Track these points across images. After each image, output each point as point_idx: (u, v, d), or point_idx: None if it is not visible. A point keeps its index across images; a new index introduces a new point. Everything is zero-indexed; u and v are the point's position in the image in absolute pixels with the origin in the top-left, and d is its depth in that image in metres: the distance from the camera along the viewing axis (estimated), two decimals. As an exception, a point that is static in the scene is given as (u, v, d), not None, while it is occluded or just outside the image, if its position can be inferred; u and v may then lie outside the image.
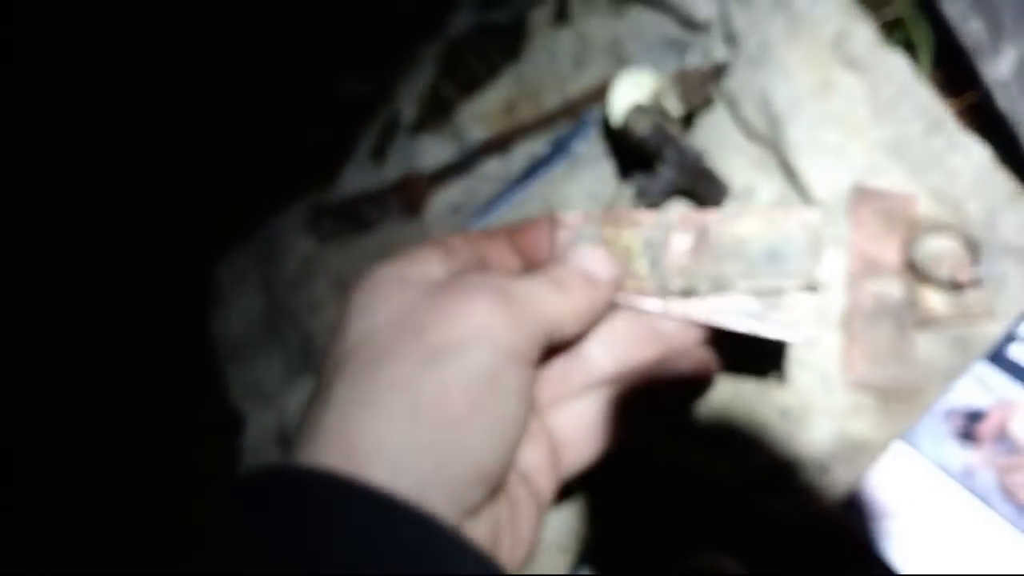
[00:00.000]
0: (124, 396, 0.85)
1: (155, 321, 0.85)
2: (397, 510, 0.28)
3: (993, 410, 0.44)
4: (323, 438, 0.30)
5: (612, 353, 0.39)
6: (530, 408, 0.34)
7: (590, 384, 0.39)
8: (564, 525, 0.57)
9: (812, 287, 0.38)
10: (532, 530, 0.35)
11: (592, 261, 0.38)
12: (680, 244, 0.38)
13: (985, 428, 0.44)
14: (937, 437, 0.44)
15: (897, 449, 0.45)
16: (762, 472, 0.52)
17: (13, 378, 0.86)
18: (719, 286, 0.38)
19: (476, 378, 0.31)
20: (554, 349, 0.36)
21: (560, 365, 0.38)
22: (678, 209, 0.40)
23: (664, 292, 0.38)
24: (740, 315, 0.39)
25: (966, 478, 0.43)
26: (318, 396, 0.32)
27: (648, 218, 0.39)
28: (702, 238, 0.38)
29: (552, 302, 0.35)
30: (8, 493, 0.82)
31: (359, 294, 0.35)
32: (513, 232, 0.40)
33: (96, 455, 0.82)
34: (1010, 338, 0.46)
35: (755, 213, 0.38)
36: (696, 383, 0.40)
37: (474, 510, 0.31)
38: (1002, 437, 0.43)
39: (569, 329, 0.36)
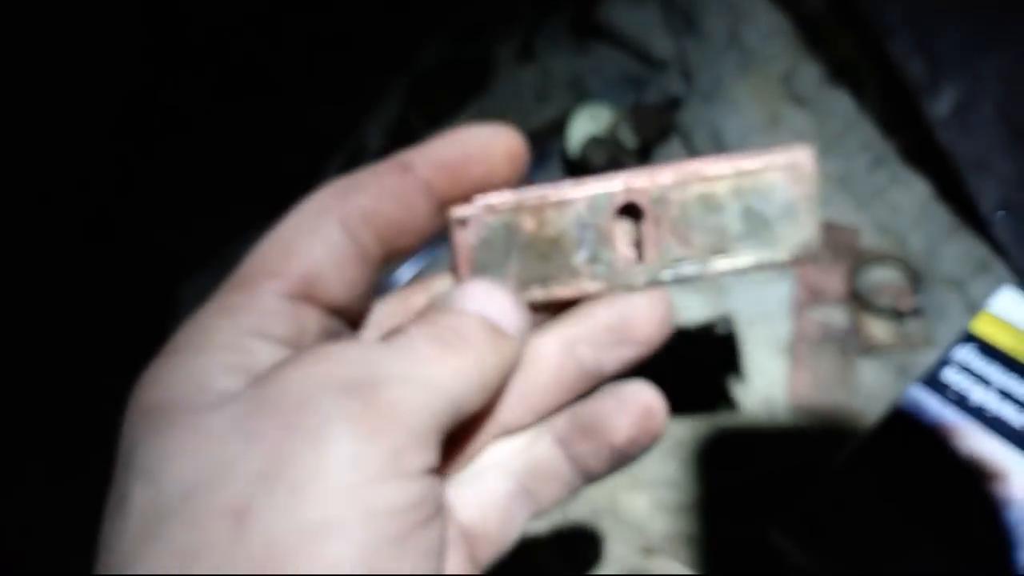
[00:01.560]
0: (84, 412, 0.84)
1: (115, 335, 0.84)
2: None
3: (926, 433, 0.45)
4: None
5: (520, 389, 0.28)
6: (442, 553, 0.23)
7: (494, 435, 0.28)
8: None
9: (807, 258, 0.28)
10: None
11: (493, 303, 0.26)
12: (628, 223, 0.28)
13: (919, 449, 0.44)
14: (873, 457, 0.45)
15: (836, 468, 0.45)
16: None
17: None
18: (686, 273, 0.28)
19: None
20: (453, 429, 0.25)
21: (461, 439, 0.27)
22: (620, 174, 0.28)
23: (614, 291, 0.28)
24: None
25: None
26: None
27: (579, 191, 0.28)
28: (658, 209, 0.28)
29: (448, 376, 0.23)
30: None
31: (139, 435, 0.21)
32: (436, 152, 0.26)
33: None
34: (944, 362, 0.47)
35: (724, 162, 0.27)
36: (644, 436, 0.28)
37: None
38: (935, 458, 0.44)
39: (476, 404, 0.25)
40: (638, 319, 0.28)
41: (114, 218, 0.94)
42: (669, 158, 0.66)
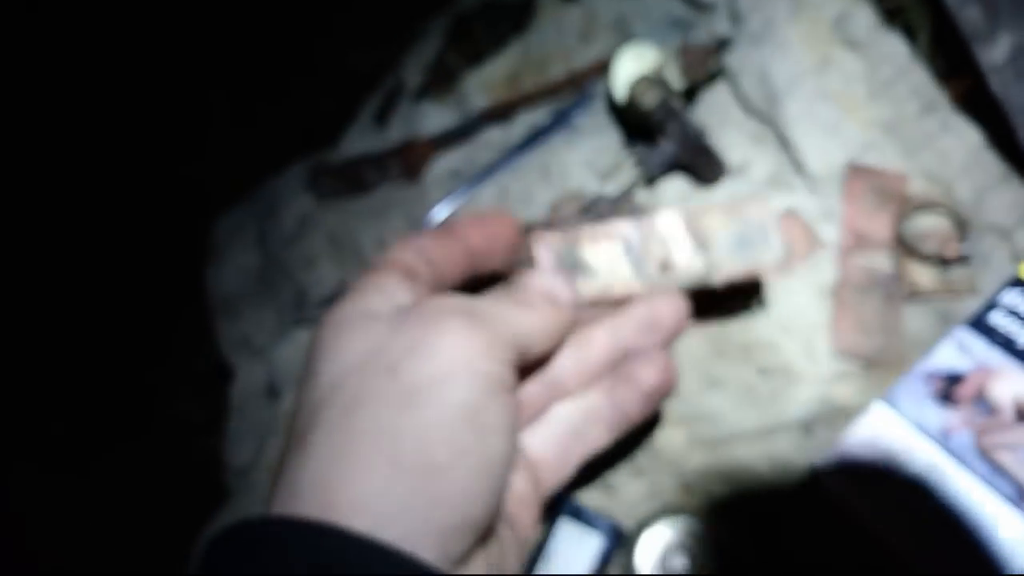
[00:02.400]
0: (118, 347, 0.85)
1: (151, 274, 0.85)
2: (385, 555, 0.26)
3: (972, 374, 0.45)
4: (301, 494, 0.28)
5: (578, 364, 0.40)
6: (516, 441, 0.33)
7: (559, 398, 0.39)
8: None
9: (779, 267, 0.42)
10: (517, 568, 0.34)
11: (552, 282, 0.40)
12: (658, 246, 0.42)
13: (963, 391, 0.45)
14: (917, 399, 0.45)
15: (877, 409, 0.46)
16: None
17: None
18: (699, 274, 0.42)
19: (458, 417, 0.29)
20: (522, 371, 0.36)
21: (529, 387, 0.38)
22: (653, 215, 0.42)
23: (649, 292, 0.42)
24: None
25: (944, 438, 0.43)
26: (292, 448, 0.30)
27: (622, 228, 0.42)
28: (677, 235, 0.42)
29: (521, 321, 0.34)
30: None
31: (325, 335, 0.33)
32: (468, 229, 0.40)
33: (94, 403, 0.83)
34: (991, 306, 0.47)
35: (721, 209, 0.42)
36: (664, 384, 0.40)
37: (463, 559, 0.29)
38: (979, 400, 0.44)
39: (539, 347, 0.36)
40: (663, 315, 0.41)
41: (150, 155, 0.94)
42: (715, 102, 0.66)
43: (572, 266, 0.41)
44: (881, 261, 0.56)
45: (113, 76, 0.98)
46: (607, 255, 0.41)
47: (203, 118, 0.94)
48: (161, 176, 0.91)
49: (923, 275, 0.56)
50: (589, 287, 0.41)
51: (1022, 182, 0.55)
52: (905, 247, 0.56)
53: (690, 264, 0.42)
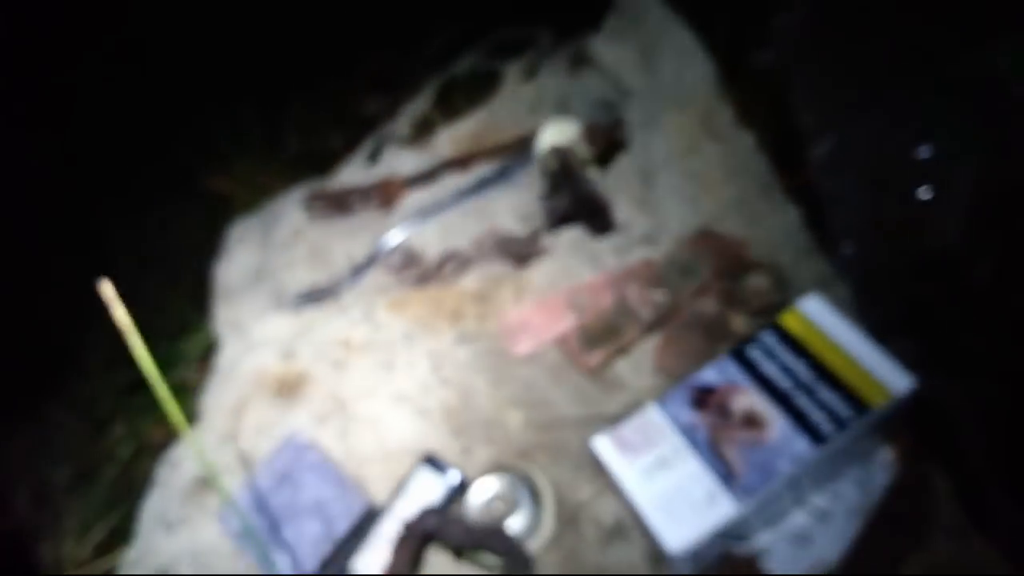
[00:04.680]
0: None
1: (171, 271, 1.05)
2: None
3: (720, 388, 0.59)
4: None
5: None
6: None
7: None
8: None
9: None
10: None
11: None
12: None
13: (711, 400, 0.59)
14: (678, 402, 0.60)
15: (651, 407, 0.61)
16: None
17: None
18: None
19: None
20: None
21: None
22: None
23: None
24: None
25: (690, 432, 0.58)
26: None
27: None
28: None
29: None
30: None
31: None
32: None
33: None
34: (752, 340, 0.61)
35: None
36: None
37: None
38: (720, 408, 0.58)
39: None
40: None
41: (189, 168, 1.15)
42: (620, 172, 0.81)
43: None
44: (709, 307, 0.71)
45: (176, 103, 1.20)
46: None
47: (237, 141, 1.14)
48: (193, 186, 1.11)
49: (739, 323, 0.70)
50: None
51: (821, 255, 0.69)
52: (731, 298, 0.71)
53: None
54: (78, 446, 1.03)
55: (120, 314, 0.45)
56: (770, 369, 0.59)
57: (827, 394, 0.57)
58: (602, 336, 0.71)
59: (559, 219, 0.79)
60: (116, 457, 0.97)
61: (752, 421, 0.57)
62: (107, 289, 0.45)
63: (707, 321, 0.71)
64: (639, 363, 0.70)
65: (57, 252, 1.13)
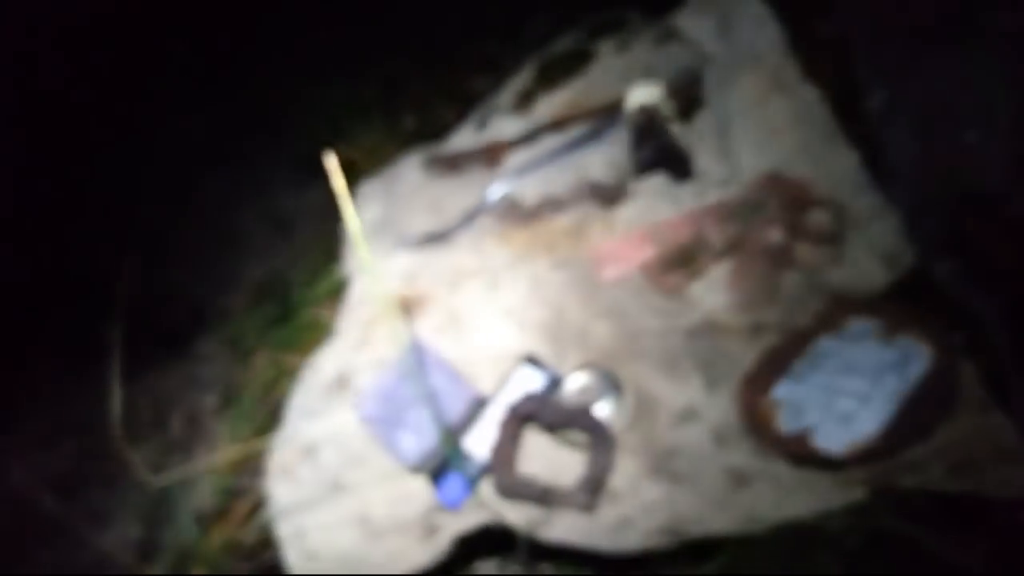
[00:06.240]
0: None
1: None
2: None
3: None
4: None
5: None
6: None
7: None
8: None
9: None
10: None
11: None
12: None
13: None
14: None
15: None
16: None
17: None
18: None
19: None
20: None
21: None
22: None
23: None
24: None
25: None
26: None
27: None
28: None
29: None
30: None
31: None
32: None
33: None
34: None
35: None
36: None
37: None
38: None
39: None
40: None
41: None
42: (698, 123, 0.92)
43: None
44: (776, 235, 0.81)
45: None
46: None
47: (363, 120, 1.31)
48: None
49: (805, 252, 0.80)
50: None
51: (876, 192, 0.78)
52: (795, 230, 0.81)
53: None
54: (225, 375, 1.21)
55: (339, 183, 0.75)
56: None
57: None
58: (680, 261, 0.82)
59: (645, 167, 0.90)
60: (258, 382, 1.14)
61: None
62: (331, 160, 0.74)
63: (774, 250, 0.81)
64: (711, 284, 0.81)
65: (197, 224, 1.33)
